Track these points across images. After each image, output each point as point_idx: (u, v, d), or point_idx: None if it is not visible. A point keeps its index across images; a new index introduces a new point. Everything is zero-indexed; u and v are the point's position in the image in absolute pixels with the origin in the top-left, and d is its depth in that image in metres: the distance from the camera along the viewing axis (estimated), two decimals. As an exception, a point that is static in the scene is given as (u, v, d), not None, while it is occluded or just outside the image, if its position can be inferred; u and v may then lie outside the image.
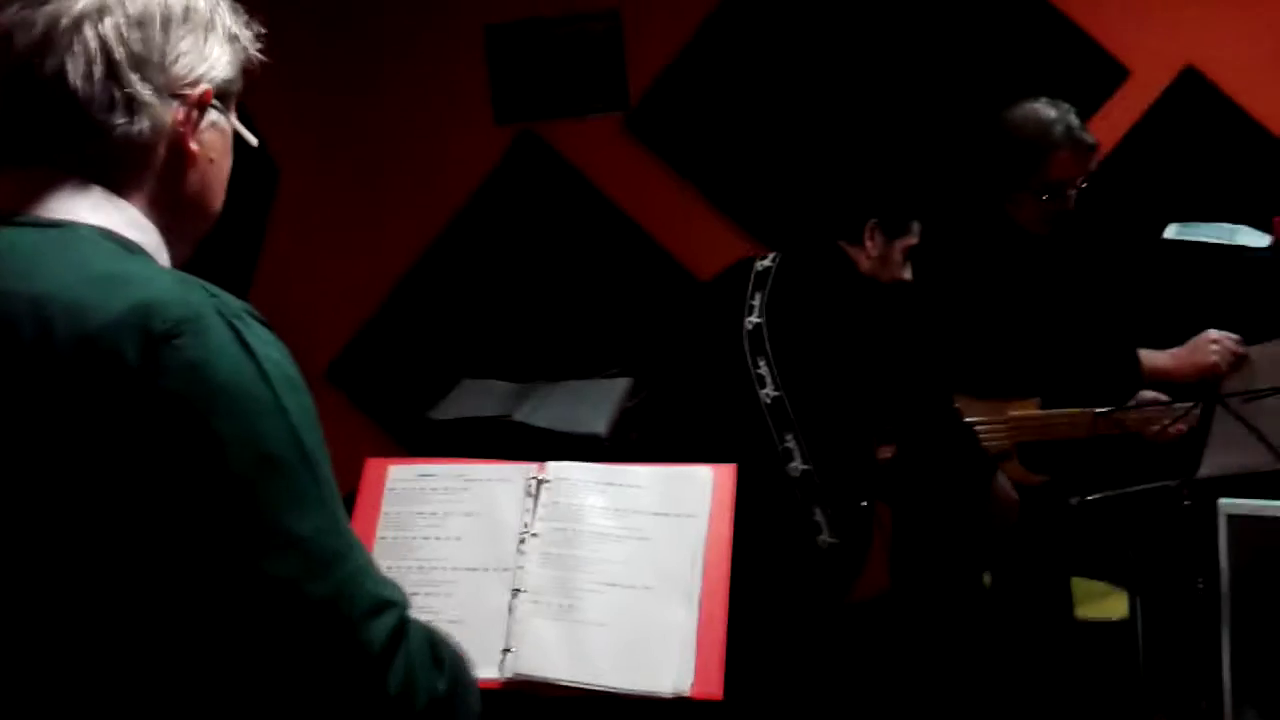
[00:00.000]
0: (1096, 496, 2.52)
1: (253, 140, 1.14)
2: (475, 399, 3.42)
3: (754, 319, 2.53)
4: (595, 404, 3.15)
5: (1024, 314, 2.58)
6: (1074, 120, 2.59)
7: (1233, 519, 2.92)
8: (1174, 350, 2.58)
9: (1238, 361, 2.45)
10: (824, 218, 2.67)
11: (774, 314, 2.52)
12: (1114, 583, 2.72)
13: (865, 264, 2.60)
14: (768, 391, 2.46)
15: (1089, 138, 2.60)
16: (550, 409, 3.22)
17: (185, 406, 0.91)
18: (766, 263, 2.65)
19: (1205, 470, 2.28)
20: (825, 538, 2.47)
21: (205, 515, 0.91)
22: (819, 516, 2.46)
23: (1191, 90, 3.45)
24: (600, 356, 3.59)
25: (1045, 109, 2.61)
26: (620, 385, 3.24)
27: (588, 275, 3.80)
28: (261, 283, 3.80)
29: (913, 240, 2.62)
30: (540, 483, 1.63)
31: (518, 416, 3.24)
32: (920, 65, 3.59)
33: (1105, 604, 2.87)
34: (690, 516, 1.56)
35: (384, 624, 0.95)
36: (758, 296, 2.55)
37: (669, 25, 3.71)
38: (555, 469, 1.64)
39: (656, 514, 1.58)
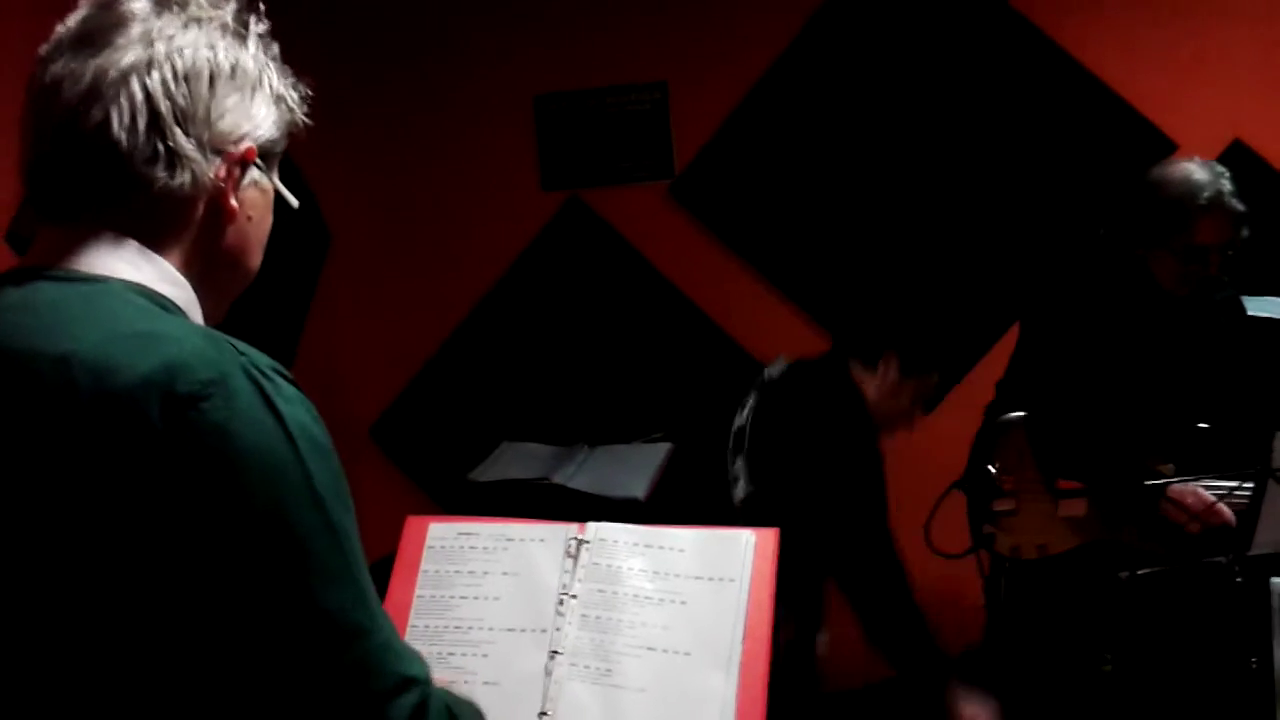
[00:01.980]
0: (1146, 572, 2.46)
1: (294, 201, 1.12)
2: (515, 461, 3.42)
3: (740, 420, 2.51)
4: (635, 468, 3.14)
5: (1151, 372, 2.53)
6: (1225, 185, 2.51)
7: (1287, 599, 2.85)
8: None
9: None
10: (845, 332, 2.62)
11: (757, 420, 2.49)
12: (1163, 659, 2.63)
13: (872, 391, 2.51)
14: (739, 491, 2.43)
15: (1237, 205, 2.52)
16: (590, 472, 3.22)
17: (208, 471, 0.89)
18: (774, 370, 2.62)
19: (1257, 547, 2.23)
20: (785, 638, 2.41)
21: (225, 584, 0.90)
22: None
23: (1239, 163, 3.43)
24: (641, 421, 3.59)
25: (1198, 171, 2.54)
26: (661, 450, 3.23)
27: (630, 340, 3.82)
28: (308, 342, 3.85)
29: (928, 385, 2.53)
30: (580, 544, 1.62)
31: (557, 479, 3.23)
32: (968, 139, 3.61)
33: None
34: (730, 581, 1.54)
35: (404, 703, 0.93)
36: (750, 399, 2.54)
37: (714, 96, 3.77)
38: (595, 530, 1.63)
39: (696, 577, 1.56)
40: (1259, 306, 2.89)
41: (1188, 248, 2.50)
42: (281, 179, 1.12)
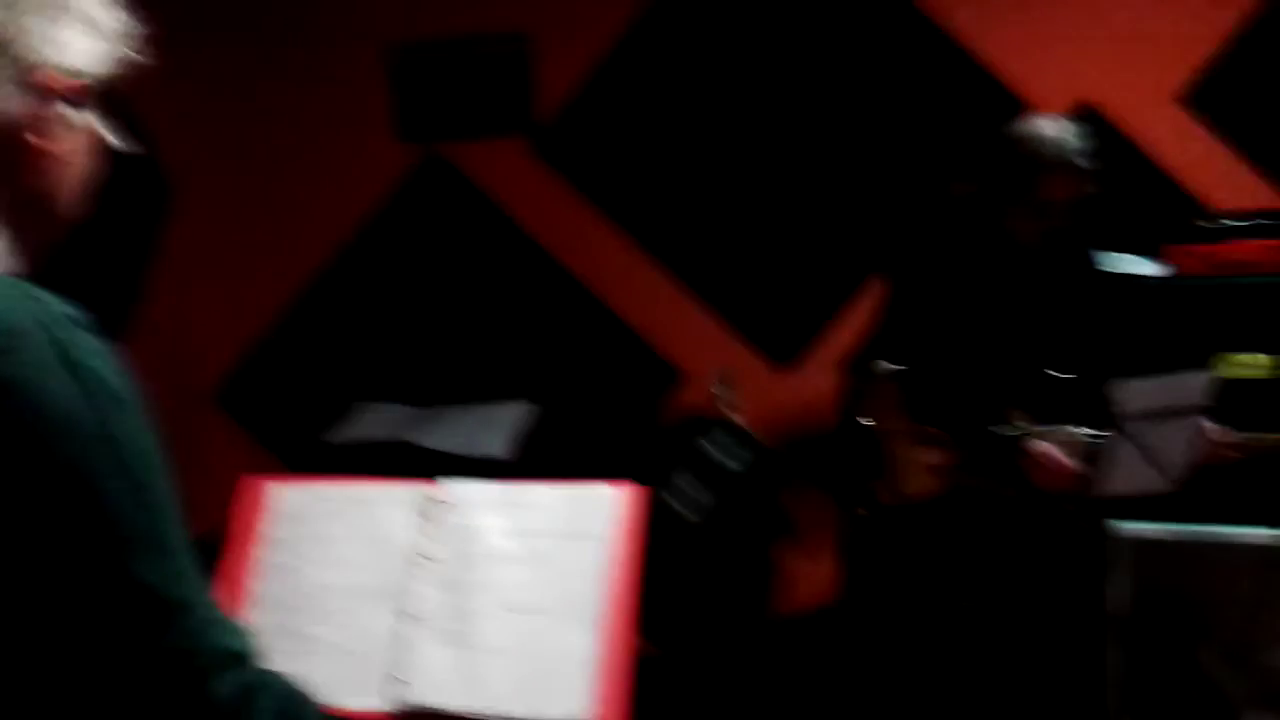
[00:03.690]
0: (997, 517, 2.53)
1: (116, 142, 1.03)
2: (371, 422, 3.32)
3: (693, 519, 2.48)
4: (495, 427, 3.09)
5: (1005, 322, 2.57)
6: (1073, 142, 2.57)
7: (1123, 541, 2.98)
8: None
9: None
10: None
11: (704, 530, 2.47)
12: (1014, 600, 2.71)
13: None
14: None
15: (1084, 162, 2.58)
16: (448, 432, 3.15)
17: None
18: (733, 464, 2.60)
19: (1101, 491, 2.30)
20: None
21: (24, 555, 0.82)
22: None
23: (1086, 124, 3.54)
24: (503, 381, 3.52)
25: (1048, 128, 2.60)
26: (521, 409, 3.18)
27: (491, 298, 3.73)
28: (149, 302, 3.65)
29: None
30: (435, 503, 1.56)
31: (415, 440, 3.16)
32: (825, 94, 3.62)
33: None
34: (593, 537, 1.51)
35: (232, 681, 0.87)
36: (691, 484, 2.50)
37: (578, 49, 3.69)
38: (451, 489, 1.57)
39: (557, 535, 1.52)
40: (1111, 263, 2.99)
41: (1035, 202, 2.57)
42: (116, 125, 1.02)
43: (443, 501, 1.56)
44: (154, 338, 3.61)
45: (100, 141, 1.01)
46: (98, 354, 0.87)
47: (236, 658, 0.88)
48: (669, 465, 2.46)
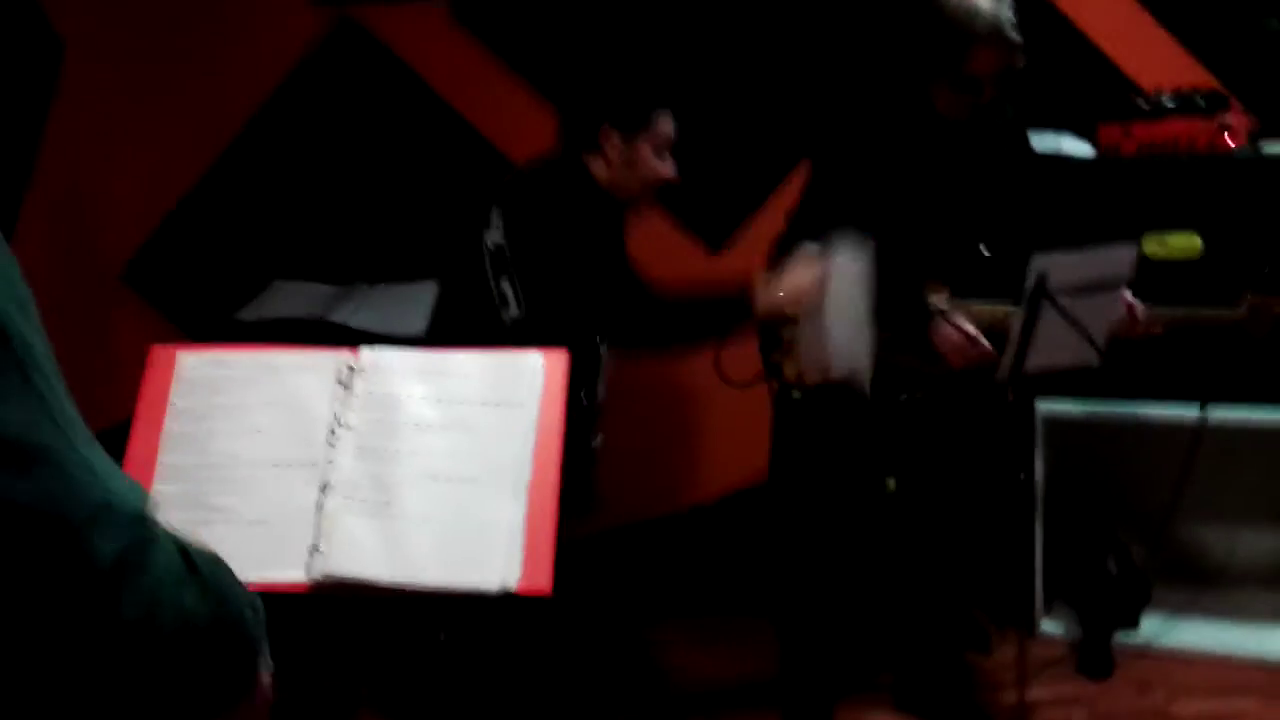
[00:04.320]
0: (923, 394, 2.53)
1: None
2: (288, 300, 3.21)
3: (495, 239, 2.40)
4: (416, 304, 2.99)
5: (929, 197, 2.53)
6: (1005, 14, 2.48)
7: (1049, 420, 3.02)
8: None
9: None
10: (562, 132, 2.51)
11: (512, 234, 2.38)
12: (941, 476, 2.73)
13: (604, 173, 2.44)
14: (510, 313, 2.34)
15: (1014, 35, 2.49)
16: (369, 310, 3.05)
17: None
18: (511, 181, 2.52)
19: (1023, 366, 2.30)
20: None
21: None
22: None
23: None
24: (422, 256, 3.41)
25: None
26: (433, 287, 3.09)
27: (410, 171, 3.60)
28: (45, 172, 3.45)
29: (662, 132, 2.46)
30: (354, 371, 1.50)
31: (334, 318, 3.06)
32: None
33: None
34: (519, 405, 1.46)
35: (115, 536, 0.78)
36: (496, 215, 2.42)
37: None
38: (370, 356, 1.51)
39: (483, 403, 1.47)
40: (1042, 140, 2.96)
41: (962, 76, 2.50)
42: None
43: (361, 369, 1.50)
44: (55, 213, 3.43)
45: None
46: None
47: (120, 513, 0.79)
48: (485, 207, 2.39)
